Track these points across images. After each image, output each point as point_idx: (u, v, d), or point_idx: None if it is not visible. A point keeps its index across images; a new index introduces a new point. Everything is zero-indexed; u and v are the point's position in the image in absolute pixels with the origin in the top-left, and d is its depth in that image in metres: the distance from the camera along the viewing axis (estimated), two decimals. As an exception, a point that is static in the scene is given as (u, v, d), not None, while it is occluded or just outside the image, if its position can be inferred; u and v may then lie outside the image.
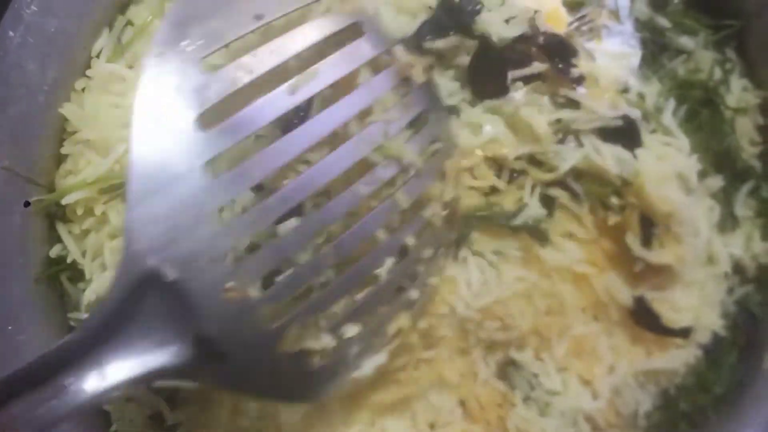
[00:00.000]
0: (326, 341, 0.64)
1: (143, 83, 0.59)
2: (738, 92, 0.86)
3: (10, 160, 0.71)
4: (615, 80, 0.79)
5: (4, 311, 0.72)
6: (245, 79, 0.60)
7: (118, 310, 0.56)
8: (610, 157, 0.74)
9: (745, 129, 0.87)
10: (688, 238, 0.80)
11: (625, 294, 0.80)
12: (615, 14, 0.81)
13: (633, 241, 0.77)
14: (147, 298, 0.56)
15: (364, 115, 0.66)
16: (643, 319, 0.81)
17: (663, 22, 0.83)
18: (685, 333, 0.83)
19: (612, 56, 0.80)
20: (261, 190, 0.64)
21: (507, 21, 0.76)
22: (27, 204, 0.72)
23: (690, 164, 0.79)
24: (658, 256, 0.78)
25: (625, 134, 0.77)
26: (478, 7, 0.75)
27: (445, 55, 0.76)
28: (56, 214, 0.75)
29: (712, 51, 0.86)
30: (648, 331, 0.82)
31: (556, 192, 0.76)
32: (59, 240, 0.75)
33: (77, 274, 0.76)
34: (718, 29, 0.86)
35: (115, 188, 0.72)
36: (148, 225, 0.57)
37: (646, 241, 0.78)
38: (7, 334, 0.72)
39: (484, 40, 0.75)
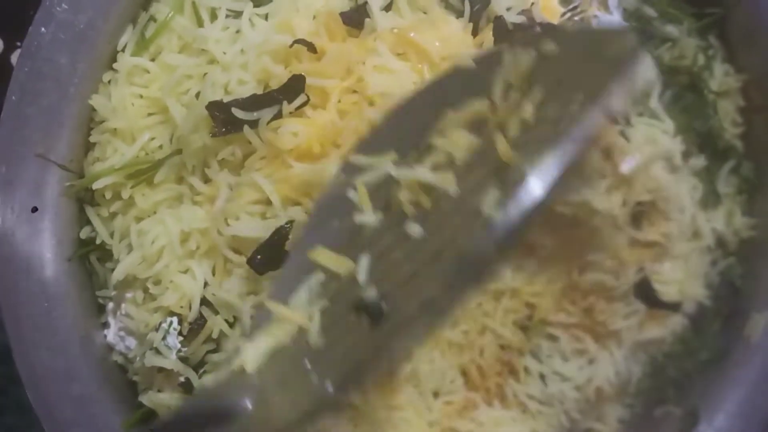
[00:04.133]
0: None
1: None
2: (720, 77, 0.90)
3: (43, 148, 0.74)
4: (605, 67, 0.83)
5: (41, 289, 0.75)
6: None
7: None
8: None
9: (727, 111, 0.91)
10: (674, 214, 0.85)
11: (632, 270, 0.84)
12: (604, 5, 0.84)
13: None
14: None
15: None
16: (643, 293, 0.85)
17: (649, 11, 0.86)
18: (676, 307, 0.88)
19: (602, 45, 0.83)
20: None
21: (507, 9, 0.79)
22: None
23: (675, 145, 0.83)
24: (646, 233, 0.84)
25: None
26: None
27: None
28: (85, 198, 0.78)
29: (696, 38, 0.89)
30: (645, 304, 0.86)
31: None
32: (88, 222, 0.79)
33: (105, 255, 0.79)
34: (700, 17, 0.89)
35: (140, 173, 0.75)
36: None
37: (636, 220, 0.83)
38: (44, 310, 0.75)
39: (500, 22, 0.77)
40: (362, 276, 0.60)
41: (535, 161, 0.60)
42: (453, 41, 0.75)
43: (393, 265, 0.62)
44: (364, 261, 0.61)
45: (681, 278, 0.88)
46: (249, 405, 0.58)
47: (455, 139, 0.63)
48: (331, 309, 0.61)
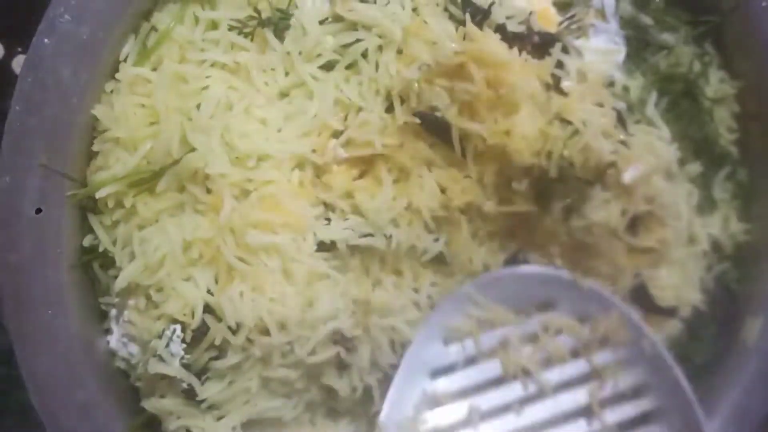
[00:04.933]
0: None
1: None
2: (716, 83, 0.91)
3: (46, 158, 0.74)
4: (602, 74, 0.83)
5: (45, 297, 0.76)
6: None
7: None
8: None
9: (722, 117, 0.92)
10: (670, 221, 0.86)
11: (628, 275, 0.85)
12: (601, 13, 0.85)
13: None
14: None
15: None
16: (640, 298, 0.87)
17: (646, 20, 0.87)
18: (672, 312, 0.89)
19: (599, 53, 0.84)
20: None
21: (507, 18, 0.80)
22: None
23: (671, 152, 0.84)
24: (643, 240, 0.85)
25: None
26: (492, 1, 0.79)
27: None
28: (88, 207, 0.79)
29: (692, 46, 0.90)
30: (641, 309, 0.87)
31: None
32: (91, 230, 0.79)
33: (108, 262, 0.79)
34: (696, 25, 0.90)
35: (142, 182, 0.76)
36: None
37: (633, 226, 0.83)
38: (47, 317, 0.76)
39: (501, 29, 0.79)
40: None
41: None
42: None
43: None
44: None
45: (677, 283, 0.89)
46: None
47: (556, 347, 0.82)
48: None
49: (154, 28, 0.78)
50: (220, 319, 0.74)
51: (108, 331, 0.82)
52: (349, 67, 0.77)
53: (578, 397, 0.82)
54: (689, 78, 0.89)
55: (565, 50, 0.81)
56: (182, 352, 0.76)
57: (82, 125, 0.77)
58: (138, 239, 0.77)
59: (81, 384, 0.78)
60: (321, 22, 0.77)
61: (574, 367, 0.83)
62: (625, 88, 0.85)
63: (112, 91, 0.78)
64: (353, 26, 0.77)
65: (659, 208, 0.84)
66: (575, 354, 0.83)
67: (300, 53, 0.77)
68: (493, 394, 0.81)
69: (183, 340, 0.75)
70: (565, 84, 0.80)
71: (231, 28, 0.78)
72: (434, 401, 0.81)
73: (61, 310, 0.77)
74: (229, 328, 0.74)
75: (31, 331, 0.77)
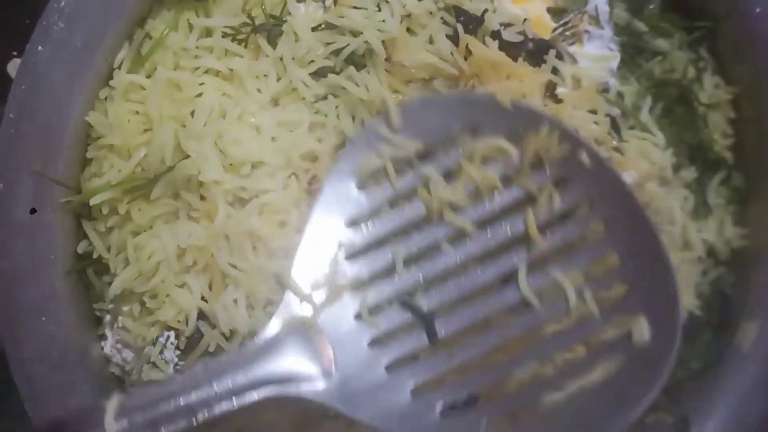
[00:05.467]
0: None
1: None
2: (711, 89, 0.91)
3: (40, 164, 0.74)
4: (596, 81, 0.83)
5: (39, 303, 0.76)
6: None
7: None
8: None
9: (717, 123, 0.92)
10: (664, 226, 0.86)
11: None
12: (595, 20, 0.85)
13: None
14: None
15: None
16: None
17: (640, 26, 0.87)
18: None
19: (593, 59, 0.84)
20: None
21: (502, 26, 0.80)
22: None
23: (665, 158, 0.84)
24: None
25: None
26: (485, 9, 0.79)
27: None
28: (82, 213, 0.79)
29: (687, 51, 0.90)
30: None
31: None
32: (86, 237, 0.79)
33: (102, 268, 0.79)
34: (691, 30, 0.90)
35: (137, 189, 0.76)
36: None
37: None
38: (41, 323, 0.76)
39: (497, 36, 0.78)
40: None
41: None
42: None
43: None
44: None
45: (672, 288, 0.89)
46: None
47: (485, 176, 0.73)
48: None
49: (148, 36, 0.78)
50: (214, 326, 0.74)
51: (102, 337, 0.82)
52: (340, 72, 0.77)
53: (513, 227, 0.73)
54: (683, 84, 0.88)
55: (559, 56, 0.81)
56: (176, 359, 0.76)
57: (76, 132, 0.77)
58: (132, 246, 0.77)
59: (74, 390, 0.78)
60: (314, 29, 0.77)
61: (507, 196, 0.74)
62: (620, 94, 0.85)
63: (106, 98, 0.78)
64: (343, 32, 0.77)
65: (654, 213, 0.84)
66: (506, 181, 0.74)
67: (293, 59, 0.77)
68: (417, 237, 0.73)
69: (177, 347, 0.76)
70: (560, 90, 0.80)
71: (225, 35, 0.78)
72: (352, 252, 0.72)
73: (55, 316, 0.77)
74: (223, 334, 0.74)
75: (24, 337, 0.77)
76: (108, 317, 0.81)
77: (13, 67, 1.03)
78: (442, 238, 0.72)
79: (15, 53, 1.03)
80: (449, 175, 0.73)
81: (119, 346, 0.81)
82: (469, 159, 0.73)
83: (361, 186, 0.73)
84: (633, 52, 0.87)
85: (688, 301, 0.91)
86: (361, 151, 0.73)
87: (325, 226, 0.72)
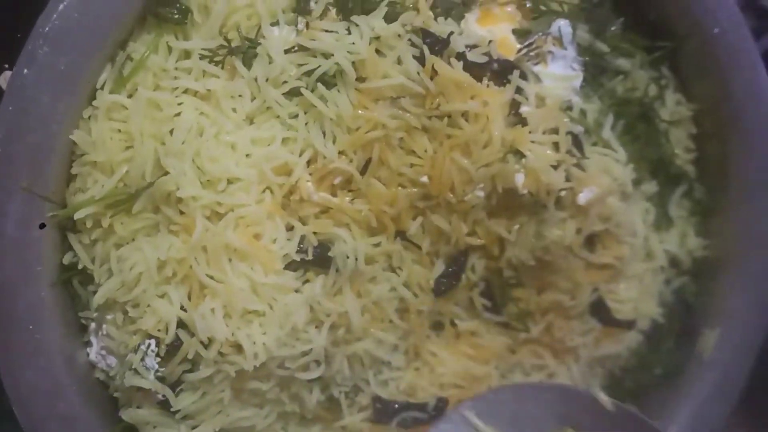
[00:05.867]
0: None
1: None
2: (672, 106, 0.94)
3: (28, 182, 0.78)
4: (560, 99, 0.85)
5: (26, 312, 0.79)
6: None
7: None
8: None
9: (680, 138, 0.96)
10: (626, 238, 0.89)
11: (587, 290, 0.89)
12: (559, 41, 0.87)
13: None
14: None
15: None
16: (598, 312, 0.90)
17: (602, 47, 0.90)
18: (630, 324, 0.93)
19: (557, 78, 0.86)
20: None
21: (468, 47, 0.82)
22: (42, 226, 0.79)
23: (626, 173, 0.87)
24: (600, 257, 0.88)
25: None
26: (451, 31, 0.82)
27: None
28: (68, 226, 0.82)
29: (648, 70, 0.93)
30: (599, 322, 0.91)
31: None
32: (71, 248, 0.82)
33: (87, 279, 0.82)
34: (652, 50, 0.93)
35: (119, 204, 0.79)
36: None
37: (590, 243, 0.87)
38: (28, 332, 0.79)
39: (462, 57, 0.81)
40: None
41: None
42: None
43: None
44: None
45: (635, 297, 0.93)
46: None
47: None
48: None
49: (129, 57, 0.81)
50: (192, 334, 0.78)
51: (88, 344, 0.85)
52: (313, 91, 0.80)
53: None
54: (645, 101, 0.92)
55: (523, 76, 0.84)
56: (156, 366, 0.79)
57: (62, 150, 0.80)
58: (115, 257, 0.80)
59: (62, 395, 0.82)
60: (287, 51, 0.80)
61: None
62: (583, 112, 0.87)
63: (89, 117, 0.81)
64: (315, 54, 0.80)
65: (615, 226, 0.88)
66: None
67: (267, 80, 0.80)
68: None
69: (157, 354, 0.79)
70: (524, 109, 0.83)
71: (202, 57, 0.81)
72: None
73: (42, 326, 0.81)
74: (201, 342, 0.78)
75: (13, 345, 0.80)
76: (93, 325, 0.84)
77: (4, 79, 1.05)
78: None
79: (6, 66, 1.06)
80: None
81: (104, 352, 0.84)
82: None
83: None
84: (596, 72, 0.90)
85: (651, 310, 0.95)
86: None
87: None
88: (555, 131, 0.82)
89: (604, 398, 0.75)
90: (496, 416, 0.74)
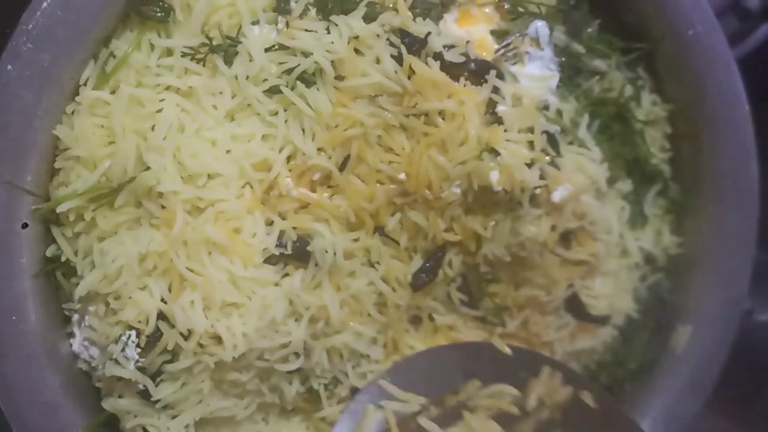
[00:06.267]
0: None
1: None
2: (648, 106, 0.96)
3: (11, 175, 0.79)
4: (536, 99, 0.87)
5: (10, 304, 0.81)
6: None
7: None
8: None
9: (655, 138, 0.98)
10: (601, 235, 0.91)
11: (562, 286, 0.90)
12: (536, 42, 0.89)
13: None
14: None
15: None
16: (573, 307, 0.93)
17: (578, 48, 0.91)
18: (605, 320, 0.95)
19: (534, 78, 0.88)
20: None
21: (445, 47, 0.84)
22: (25, 225, 0.81)
23: (600, 172, 0.89)
24: (575, 253, 0.90)
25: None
26: (428, 31, 0.83)
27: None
28: (51, 219, 0.83)
29: (625, 71, 0.95)
30: (575, 318, 0.93)
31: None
32: (54, 241, 0.84)
33: (70, 271, 0.84)
34: (628, 51, 0.95)
35: (101, 197, 0.81)
36: None
37: (565, 240, 0.89)
38: (12, 323, 0.81)
39: (439, 57, 0.83)
40: None
41: None
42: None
43: None
44: None
45: (610, 293, 0.95)
46: None
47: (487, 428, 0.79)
48: None
49: (112, 54, 0.83)
50: (172, 326, 0.79)
51: (71, 335, 0.87)
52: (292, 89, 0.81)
53: None
54: (620, 102, 0.93)
55: (500, 76, 0.85)
56: (137, 356, 0.81)
57: (45, 144, 0.82)
58: (98, 250, 0.82)
59: (45, 384, 0.83)
60: (267, 50, 0.82)
61: None
62: (559, 112, 0.89)
63: (72, 113, 0.82)
64: (295, 53, 0.81)
65: (590, 223, 0.89)
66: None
67: (247, 78, 0.81)
68: None
69: (138, 345, 0.80)
70: (500, 108, 0.84)
71: (184, 55, 0.83)
72: None
73: (26, 316, 0.82)
74: (181, 334, 0.79)
75: (-3, 337, 0.82)
76: (76, 316, 0.86)
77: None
78: None
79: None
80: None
81: (86, 343, 0.86)
82: (472, 410, 0.81)
83: None
84: (572, 72, 0.91)
85: (626, 306, 0.96)
86: (364, 406, 0.80)
87: None
88: (530, 130, 0.84)
89: (501, 344, 0.81)
90: (411, 381, 0.79)
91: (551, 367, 0.81)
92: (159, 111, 0.81)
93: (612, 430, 0.80)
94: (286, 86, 0.81)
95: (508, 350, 0.82)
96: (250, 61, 0.81)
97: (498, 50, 0.89)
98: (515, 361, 0.81)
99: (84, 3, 0.80)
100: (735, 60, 0.93)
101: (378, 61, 0.82)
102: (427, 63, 0.82)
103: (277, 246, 0.82)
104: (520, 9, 0.91)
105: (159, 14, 0.82)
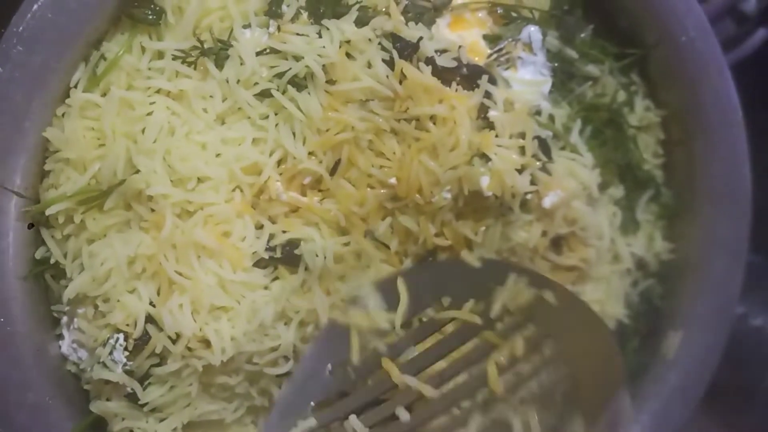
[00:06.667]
0: None
1: None
2: (641, 111, 0.96)
3: (1, 177, 0.79)
4: (529, 104, 0.86)
5: (-2, 305, 0.81)
6: None
7: None
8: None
9: (648, 143, 0.97)
10: (592, 240, 0.91)
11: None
12: (529, 47, 0.89)
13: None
14: None
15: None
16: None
17: (571, 53, 0.91)
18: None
19: (526, 83, 0.88)
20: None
21: (438, 52, 0.84)
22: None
23: (592, 177, 0.89)
24: (566, 259, 0.90)
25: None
26: (420, 36, 0.83)
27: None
28: (41, 221, 0.83)
29: (618, 76, 0.95)
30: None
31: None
32: (43, 243, 0.83)
33: (59, 273, 0.84)
34: (621, 57, 0.95)
35: (91, 200, 0.80)
36: None
37: (556, 246, 0.89)
38: (0, 324, 0.81)
39: (431, 62, 0.83)
40: None
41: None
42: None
43: None
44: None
45: (601, 298, 0.94)
46: None
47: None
48: None
49: (103, 57, 0.83)
50: (161, 329, 0.79)
51: (60, 337, 0.87)
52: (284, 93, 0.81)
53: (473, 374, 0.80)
54: (613, 107, 0.93)
55: (492, 81, 0.85)
56: (125, 359, 0.81)
57: (35, 146, 0.82)
58: (87, 253, 0.81)
59: (32, 386, 0.83)
60: (258, 53, 0.82)
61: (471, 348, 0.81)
62: (551, 117, 0.89)
63: (63, 115, 0.82)
64: (286, 57, 0.81)
65: (581, 229, 0.89)
66: (472, 335, 0.81)
67: (238, 81, 0.81)
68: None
69: (126, 348, 0.80)
70: (492, 113, 0.84)
71: (175, 58, 0.82)
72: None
73: (14, 318, 0.82)
74: (169, 337, 0.79)
75: (-16, 338, 0.81)
76: (65, 319, 0.86)
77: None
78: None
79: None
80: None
81: (75, 345, 0.86)
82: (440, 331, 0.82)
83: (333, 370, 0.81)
84: (565, 78, 0.91)
85: (617, 311, 0.96)
86: (335, 331, 0.81)
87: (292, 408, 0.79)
88: (522, 135, 0.84)
89: (468, 258, 0.82)
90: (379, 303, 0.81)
91: (517, 272, 0.82)
92: (149, 114, 0.81)
93: (572, 324, 0.81)
94: (277, 90, 0.81)
95: (477, 263, 0.82)
96: (241, 64, 0.81)
97: (490, 55, 0.89)
98: (483, 273, 0.82)
99: (75, 6, 0.80)
100: (731, 64, 0.93)
101: (369, 65, 0.82)
102: (418, 68, 0.82)
103: (266, 250, 0.82)
104: (513, 14, 0.91)
105: (150, 17, 0.82)
